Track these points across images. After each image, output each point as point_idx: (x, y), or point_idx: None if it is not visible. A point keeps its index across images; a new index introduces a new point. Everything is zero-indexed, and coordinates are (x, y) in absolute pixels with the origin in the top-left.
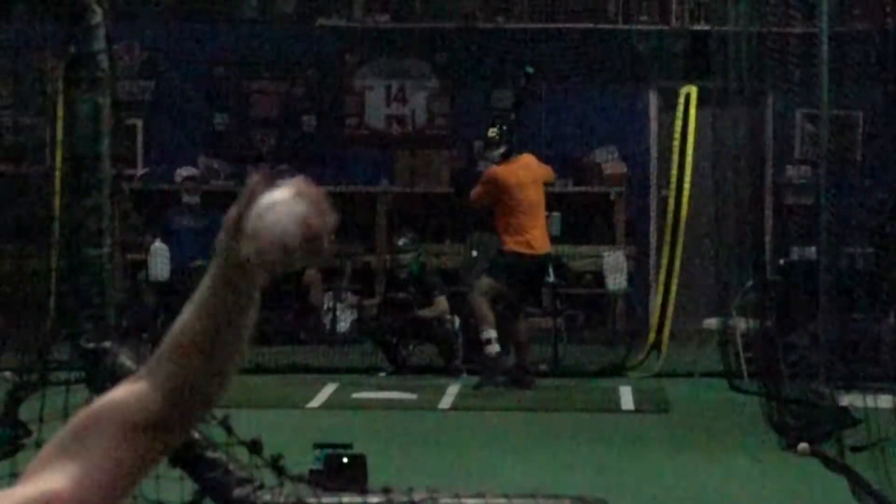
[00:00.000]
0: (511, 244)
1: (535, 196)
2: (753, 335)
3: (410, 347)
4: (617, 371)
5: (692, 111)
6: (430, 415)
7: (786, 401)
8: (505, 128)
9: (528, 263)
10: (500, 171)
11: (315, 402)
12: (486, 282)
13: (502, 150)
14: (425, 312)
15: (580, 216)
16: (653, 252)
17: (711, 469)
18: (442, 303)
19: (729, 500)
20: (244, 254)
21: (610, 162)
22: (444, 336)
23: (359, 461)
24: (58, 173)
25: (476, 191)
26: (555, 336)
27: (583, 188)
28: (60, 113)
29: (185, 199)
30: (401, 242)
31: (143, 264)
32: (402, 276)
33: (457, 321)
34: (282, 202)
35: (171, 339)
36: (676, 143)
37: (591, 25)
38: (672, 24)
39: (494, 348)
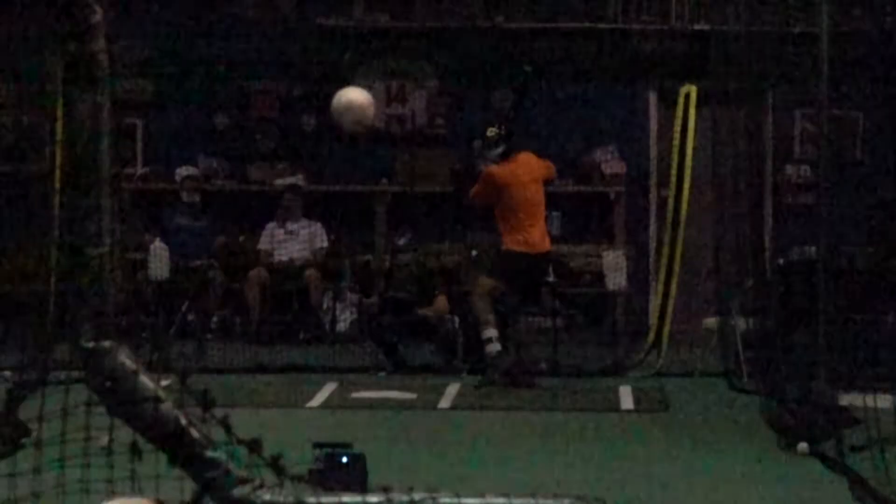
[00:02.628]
0: (511, 243)
1: (534, 195)
2: (753, 335)
3: (410, 347)
4: (616, 370)
5: (692, 110)
6: (429, 414)
7: (785, 400)
8: (504, 127)
9: (529, 262)
10: (497, 170)
11: (314, 402)
12: (486, 282)
13: (500, 149)
14: (426, 311)
15: (579, 215)
16: (652, 251)
17: (711, 468)
18: (442, 302)
19: (728, 499)
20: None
21: (609, 161)
22: (444, 335)
23: (358, 460)
24: (57, 172)
25: (475, 189)
26: (554, 335)
27: (582, 187)
28: (59, 112)
29: (185, 198)
30: (400, 243)
31: (142, 264)
32: (402, 276)
33: (456, 320)
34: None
35: None
36: (676, 142)
37: (590, 25)
38: (672, 23)
39: (495, 347)
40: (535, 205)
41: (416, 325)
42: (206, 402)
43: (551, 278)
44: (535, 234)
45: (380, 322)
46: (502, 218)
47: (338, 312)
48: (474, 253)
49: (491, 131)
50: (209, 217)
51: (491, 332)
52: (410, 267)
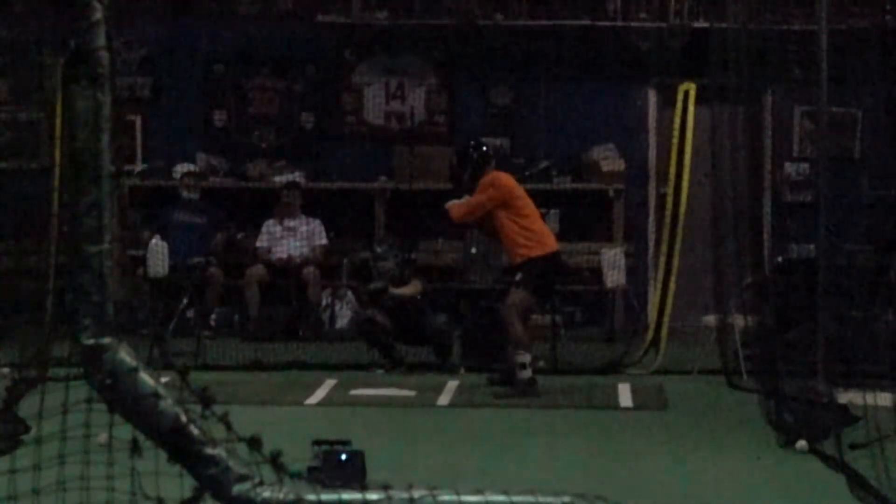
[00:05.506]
0: (532, 250)
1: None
2: (752, 332)
3: (403, 350)
4: (615, 368)
5: (691, 108)
6: (428, 411)
7: (784, 398)
8: (473, 154)
9: (552, 264)
10: (502, 174)
11: (313, 399)
12: (519, 295)
13: (469, 172)
14: (401, 290)
15: (578, 213)
16: (651, 249)
17: (710, 466)
18: (417, 284)
19: (727, 497)
20: None
21: (608, 159)
22: (437, 335)
23: (357, 458)
24: (57, 170)
25: (477, 201)
26: (553, 333)
27: (581, 185)
28: (59, 109)
29: (185, 194)
30: (379, 250)
31: (141, 260)
32: (378, 285)
33: (444, 317)
34: None
35: None
36: (675, 140)
37: (589, 22)
38: (671, 21)
39: (527, 374)
40: (535, 207)
41: (410, 329)
42: (206, 399)
43: None
44: (547, 233)
45: (373, 323)
46: (514, 227)
47: (336, 310)
48: (474, 251)
49: (452, 159)
50: (208, 214)
51: (525, 358)
52: (392, 272)
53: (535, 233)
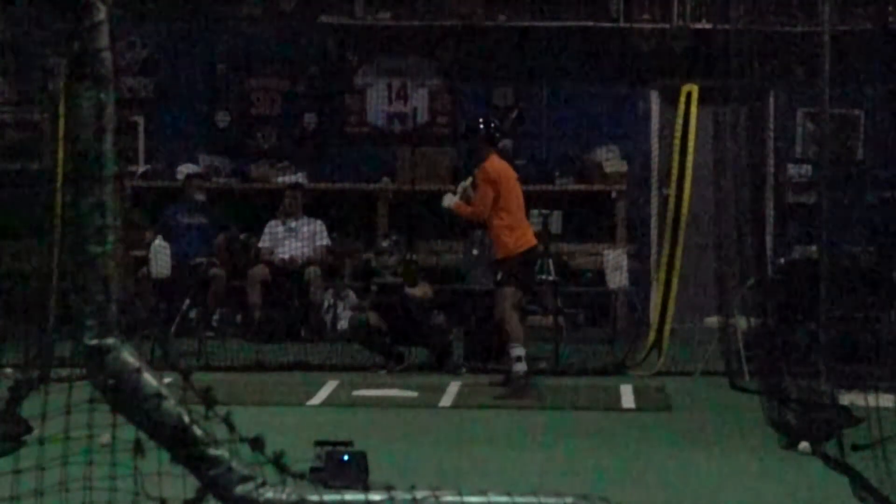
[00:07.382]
0: (515, 245)
1: (520, 191)
2: (754, 334)
3: (403, 349)
4: (617, 369)
5: (693, 109)
6: (430, 412)
7: (787, 399)
8: (482, 129)
9: (531, 258)
10: (492, 164)
11: (316, 400)
12: (509, 291)
13: (473, 146)
14: (414, 291)
15: (581, 214)
16: (653, 250)
17: (712, 468)
18: (425, 286)
19: (729, 498)
20: None
21: (611, 160)
22: (433, 336)
23: (360, 458)
24: (60, 170)
25: (481, 197)
26: (555, 334)
27: (584, 186)
28: (63, 110)
29: (194, 195)
30: (384, 245)
31: (144, 261)
32: (387, 279)
33: (441, 318)
34: None
35: None
36: (677, 141)
37: (592, 24)
38: (673, 22)
39: (522, 367)
40: (522, 200)
41: (406, 331)
42: (209, 400)
43: (552, 276)
44: (528, 228)
45: (367, 326)
46: (495, 222)
47: (339, 310)
48: (475, 252)
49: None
50: (210, 215)
51: (520, 351)
52: (395, 269)
53: (517, 230)
